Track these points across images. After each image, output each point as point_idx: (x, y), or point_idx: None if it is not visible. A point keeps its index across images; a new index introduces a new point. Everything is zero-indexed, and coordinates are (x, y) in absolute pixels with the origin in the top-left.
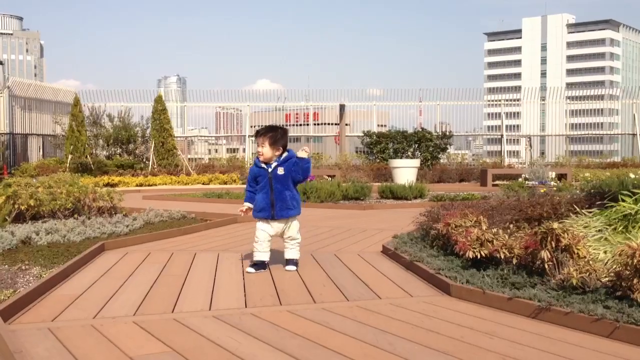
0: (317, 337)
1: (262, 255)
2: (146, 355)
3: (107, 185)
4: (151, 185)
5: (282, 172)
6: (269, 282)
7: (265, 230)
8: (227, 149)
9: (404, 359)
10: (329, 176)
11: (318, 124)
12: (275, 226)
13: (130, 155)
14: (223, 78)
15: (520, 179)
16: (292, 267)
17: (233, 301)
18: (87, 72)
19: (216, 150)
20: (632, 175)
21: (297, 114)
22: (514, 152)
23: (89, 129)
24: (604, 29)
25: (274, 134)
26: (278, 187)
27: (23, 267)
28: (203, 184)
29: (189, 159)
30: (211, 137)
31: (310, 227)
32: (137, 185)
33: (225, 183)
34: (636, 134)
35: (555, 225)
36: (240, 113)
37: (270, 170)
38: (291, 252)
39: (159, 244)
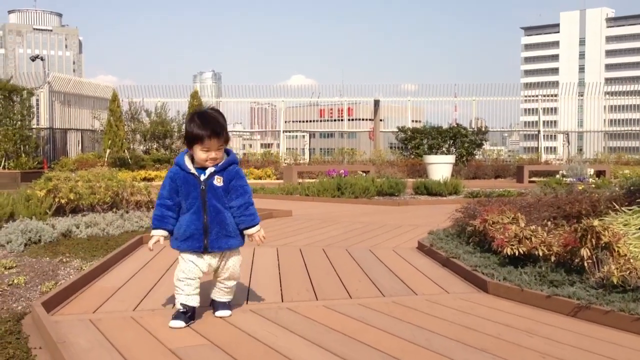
0: (353, 332)
1: (191, 299)
2: (185, 348)
3: (144, 179)
4: None
5: (220, 184)
6: (304, 276)
7: (195, 263)
8: (262, 144)
9: (441, 355)
10: (363, 172)
11: (352, 120)
12: (208, 261)
13: (166, 150)
14: (258, 74)
15: (557, 176)
16: (226, 312)
17: (270, 295)
18: (125, 68)
19: (250, 146)
20: None
21: (331, 109)
22: (551, 148)
23: (127, 124)
24: None
25: (225, 128)
26: (214, 205)
27: (64, 260)
28: None
29: None
30: (246, 132)
31: (345, 223)
32: None
33: (260, 178)
34: None
35: (596, 222)
36: (274, 108)
37: (203, 178)
38: (224, 294)
39: None
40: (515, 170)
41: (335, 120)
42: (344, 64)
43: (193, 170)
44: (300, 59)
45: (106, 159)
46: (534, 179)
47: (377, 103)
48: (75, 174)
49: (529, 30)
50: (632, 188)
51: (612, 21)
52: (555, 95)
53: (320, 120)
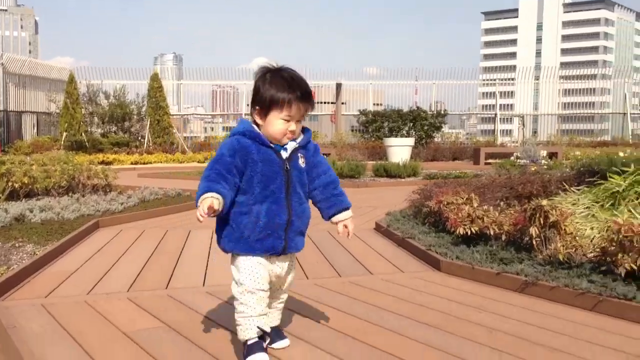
0: (309, 312)
1: (261, 323)
2: (139, 331)
3: (102, 163)
4: (146, 164)
5: (304, 165)
6: None
7: (267, 268)
8: (224, 128)
9: (394, 332)
10: (324, 154)
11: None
12: (278, 269)
13: (125, 133)
14: (220, 57)
15: (512, 158)
16: (286, 341)
17: (227, 277)
18: (82, 49)
19: (212, 129)
20: (621, 154)
21: None
22: (507, 131)
23: (84, 107)
24: (599, 9)
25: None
26: (298, 193)
27: (17, 245)
28: (199, 162)
29: (185, 137)
30: (207, 115)
31: None
32: (132, 164)
33: None
34: (626, 113)
35: (544, 202)
36: (236, 91)
37: (285, 155)
38: (279, 314)
39: (153, 221)
40: (472, 153)
41: None
42: (306, 47)
43: (272, 145)
44: (262, 42)
45: (62, 143)
46: (489, 161)
47: (339, 86)
48: (30, 157)
49: (489, 15)
50: (581, 169)
51: (569, 6)
52: (513, 79)
53: None
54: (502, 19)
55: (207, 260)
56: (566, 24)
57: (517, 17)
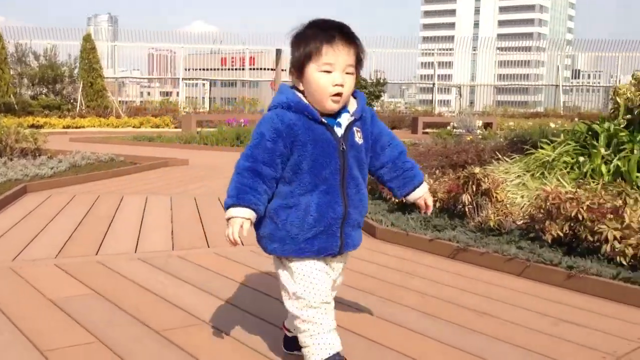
0: (244, 279)
1: (333, 338)
2: (67, 298)
3: (32, 126)
4: (79, 128)
5: (361, 141)
6: (197, 225)
7: (328, 274)
8: (160, 92)
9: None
10: None
11: (255, 69)
12: (335, 270)
13: (57, 96)
14: (157, 18)
15: (448, 127)
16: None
17: (160, 244)
18: (11, 6)
19: (149, 93)
20: (552, 125)
21: (233, 57)
22: (445, 101)
23: (13, 67)
24: None
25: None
26: (355, 178)
27: None
28: (134, 127)
29: (120, 101)
30: (143, 79)
31: None
32: (63, 127)
33: (158, 126)
34: (559, 86)
35: (477, 170)
36: (174, 55)
37: (340, 132)
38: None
39: (85, 186)
40: (411, 122)
41: (237, 69)
42: (246, 11)
43: (324, 120)
44: (201, 4)
45: None
46: (427, 130)
47: (279, 52)
48: None
49: None
50: (514, 139)
51: None
52: (451, 50)
53: (222, 69)
54: None
55: (140, 227)
56: None
57: None
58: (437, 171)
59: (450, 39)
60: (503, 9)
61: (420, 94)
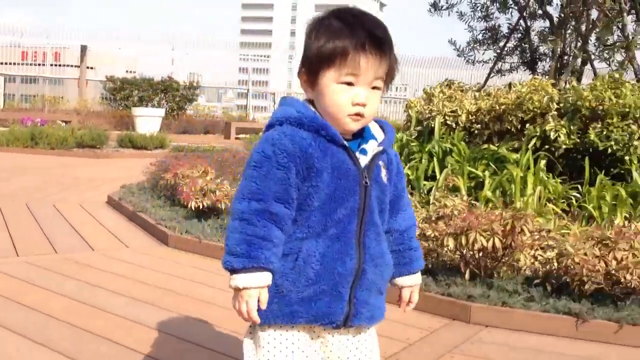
0: (12, 294)
1: None
2: None
3: None
4: None
5: (387, 181)
6: None
7: (307, 356)
8: None
9: (103, 311)
10: (64, 122)
11: (60, 65)
12: (339, 350)
13: None
14: None
15: (261, 133)
16: None
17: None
18: None
19: None
20: None
21: (35, 52)
22: (263, 107)
23: None
24: None
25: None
26: (376, 224)
27: None
28: None
29: None
30: None
31: (35, 176)
32: None
33: None
34: None
35: None
36: None
37: (365, 161)
38: None
39: None
40: (224, 127)
41: (40, 64)
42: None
43: (343, 141)
44: None
45: None
46: (240, 135)
47: (84, 49)
48: None
49: None
50: None
51: None
52: (268, 57)
53: (23, 64)
54: None
55: None
56: (319, 7)
57: None
58: (241, 176)
59: (268, 45)
60: None
61: (238, 99)
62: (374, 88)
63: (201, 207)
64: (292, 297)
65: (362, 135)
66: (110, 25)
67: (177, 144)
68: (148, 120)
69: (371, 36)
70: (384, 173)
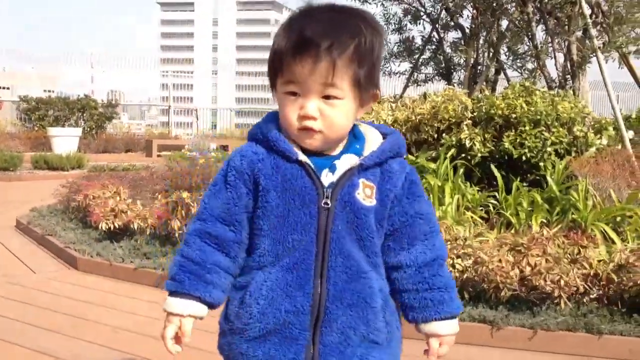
0: None
1: None
2: None
3: None
4: None
5: (371, 201)
6: None
7: None
8: None
9: (8, 342)
10: None
11: None
12: None
13: None
14: None
15: (183, 150)
16: None
17: None
18: None
19: None
20: None
21: None
22: (187, 123)
23: None
24: (269, 10)
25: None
26: (347, 253)
27: None
28: None
29: None
30: None
31: None
32: None
33: None
34: None
35: (185, 194)
36: None
37: (329, 178)
38: None
39: None
40: (145, 145)
41: None
42: None
43: (304, 157)
44: None
45: None
46: (163, 152)
47: None
48: None
49: (165, 6)
50: None
51: (242, 5)
52: (191, 72)
53: None
54: (179, 11)
55: None
56: (240, 22)
57: (193, 10)
58: (159, 195)
59: (190, 61)
60: (240, 35)
61: (161, 116)
62: (328, 97)
63: (112, 228)
64: (242, 335)
65: (349, 148)
66: (28, 44)
67: (96, 164)
68: (65, 140)
69: (299, 37)
70: (365, 193)
